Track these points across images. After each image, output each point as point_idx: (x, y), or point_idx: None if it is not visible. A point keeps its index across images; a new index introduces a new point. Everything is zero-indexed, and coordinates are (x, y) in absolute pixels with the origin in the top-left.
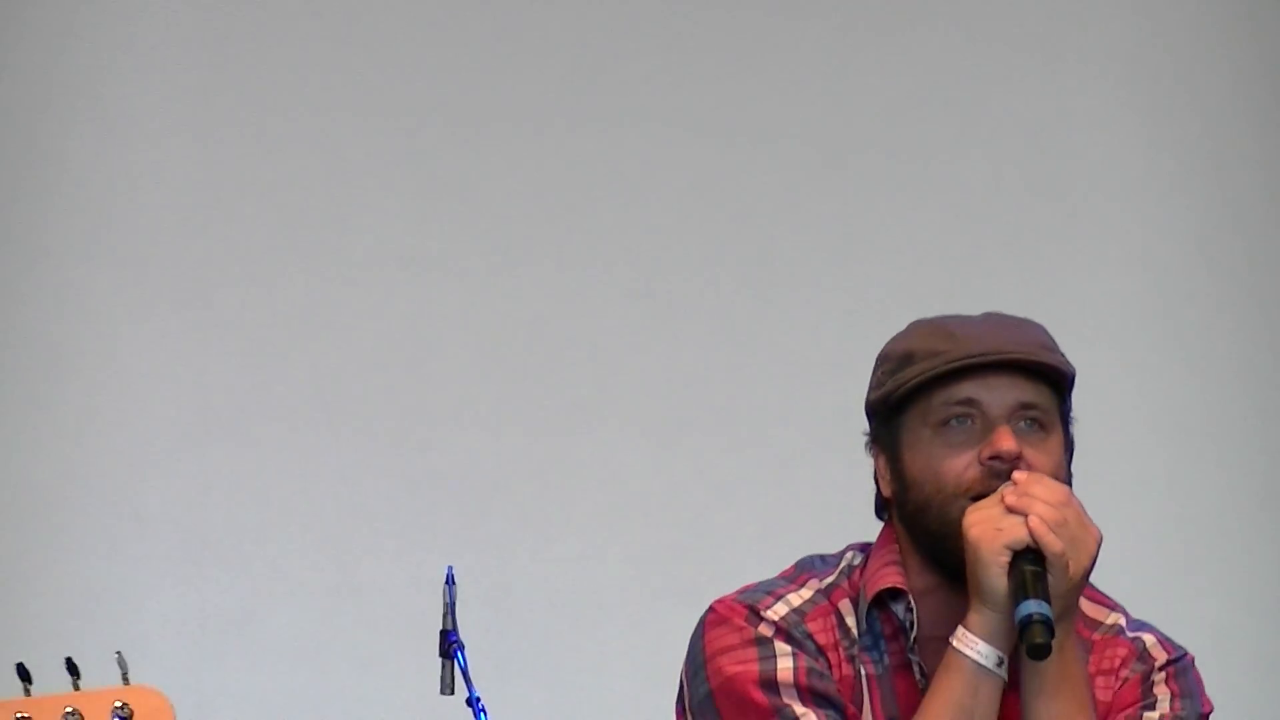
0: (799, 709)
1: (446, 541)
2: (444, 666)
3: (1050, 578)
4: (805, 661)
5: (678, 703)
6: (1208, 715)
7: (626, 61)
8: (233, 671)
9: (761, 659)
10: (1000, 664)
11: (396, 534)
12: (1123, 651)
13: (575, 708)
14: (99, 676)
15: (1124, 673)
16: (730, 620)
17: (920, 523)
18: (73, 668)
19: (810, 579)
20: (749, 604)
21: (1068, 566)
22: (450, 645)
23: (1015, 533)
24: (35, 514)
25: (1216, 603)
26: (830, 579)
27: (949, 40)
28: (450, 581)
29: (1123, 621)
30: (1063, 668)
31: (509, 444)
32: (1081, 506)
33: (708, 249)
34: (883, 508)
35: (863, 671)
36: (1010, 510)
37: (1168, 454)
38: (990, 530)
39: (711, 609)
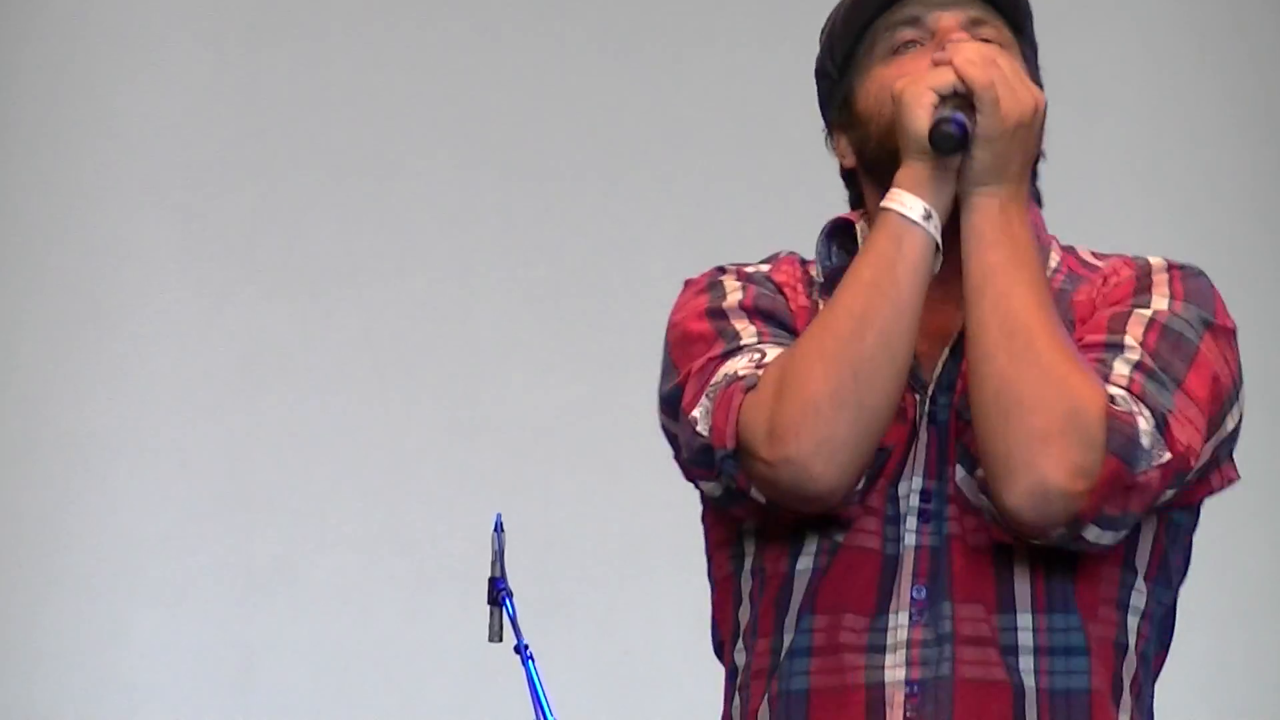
0: (740, 324)
1: (494, 489)
2: (492, 614)
3: (980, 117)
4: (754, 290)
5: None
6: (1227, 331)
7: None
8: (280, 620)
9: (711, 297)
10: (928, 217)
11: (444, 482)
12: (1116, 264)
13: (623, 654)
14: (145, 629)
15: (1115, 279)
16: (693, 281)
17: (879, 153)
18: None
19: (785, 253)
20: (720, 266)
21: (998, 103)
22: (498, 593)
23: (942, 76)
24: (82, 463)
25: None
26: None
27: None
28: (499, 529)
29: (1129, 256)
30: (1002, 221)
31: (557, 392)
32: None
33: (756, 195)
34: (856, 199)
35: (821, 304)
36: (937, 64)
37: None
38: (916, 80)
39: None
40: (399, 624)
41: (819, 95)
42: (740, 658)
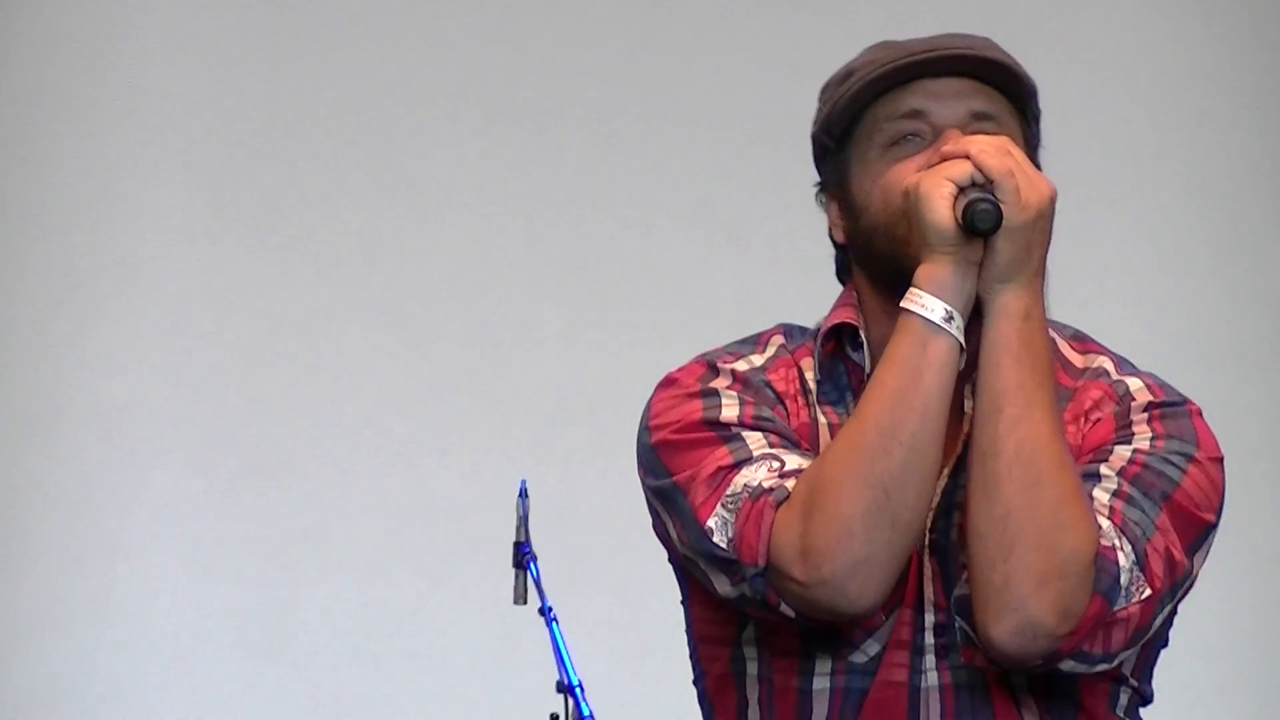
0: (747, 434)
1: (518, 456)
2: (517, 577)
3: (1003, 206)
4: (755, 409)
5: (647, 499)
6: (1214, 460)
7: None
8: (307, 586)
9: (706, 407)
10: (950, 319)
11: (470, 449)
12: (1098, 393)
13: (644, 616)
14: (176, 595)
15: (1096, 414)
16: (681, 380)
17: (871, 248)
18: None
19: (776, 336)
20: (708, 361)
21: (1019, 191)
22: (523, 556)
23: (959, 168)
24: (113, 433)
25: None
26: (798, 340)
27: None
28: (523, 494)
29: (1110, 366)
30: (1024, 334)
31: (579, 361)
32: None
33: (776, 168)
34: (843, 267)
35: (824, 419)
36: (947, 157)
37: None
38: (930, 174)
39: (666, 375)
40: (426, 588)
41: (814, 153)
42: None
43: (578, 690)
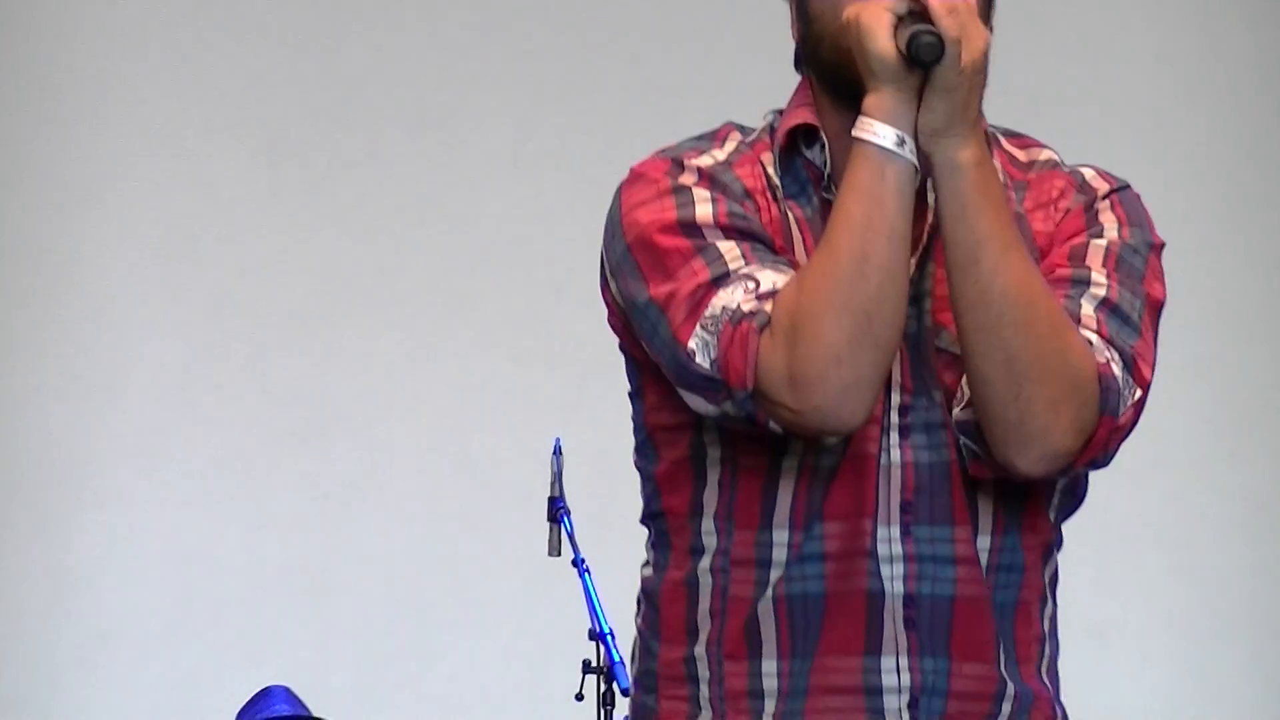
0: (721, 243)
1: (553, 415)
2: (551, 531)
3: (944, 37)
4: (726, 205)
5: (600, 281)
6: (1160, 247)
7: None
8: (354, 536)
9: (679, 205)
10: (902, 144)
11: (507, 408)
12: (1060, 183)
13: None
14: (231, 544)
15: (1064, 204)
16: (647, 175)
17: (820, 54)
18: None
19: (732, 133)
20: (672, 157)
21: (959, 40)
22: (557, 511)
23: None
24: (175, 392)
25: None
26: (753, 135)
27: None
28: (557, 452)
29: (1056, 156)
30: (981, 184)
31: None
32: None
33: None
34: (798, 59)
35: (790, 215)
36: None
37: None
38: (870, 5)
39: (630, 169)
40: (465, 539)
41: None
42: (710, 540)
43: (609, 638)
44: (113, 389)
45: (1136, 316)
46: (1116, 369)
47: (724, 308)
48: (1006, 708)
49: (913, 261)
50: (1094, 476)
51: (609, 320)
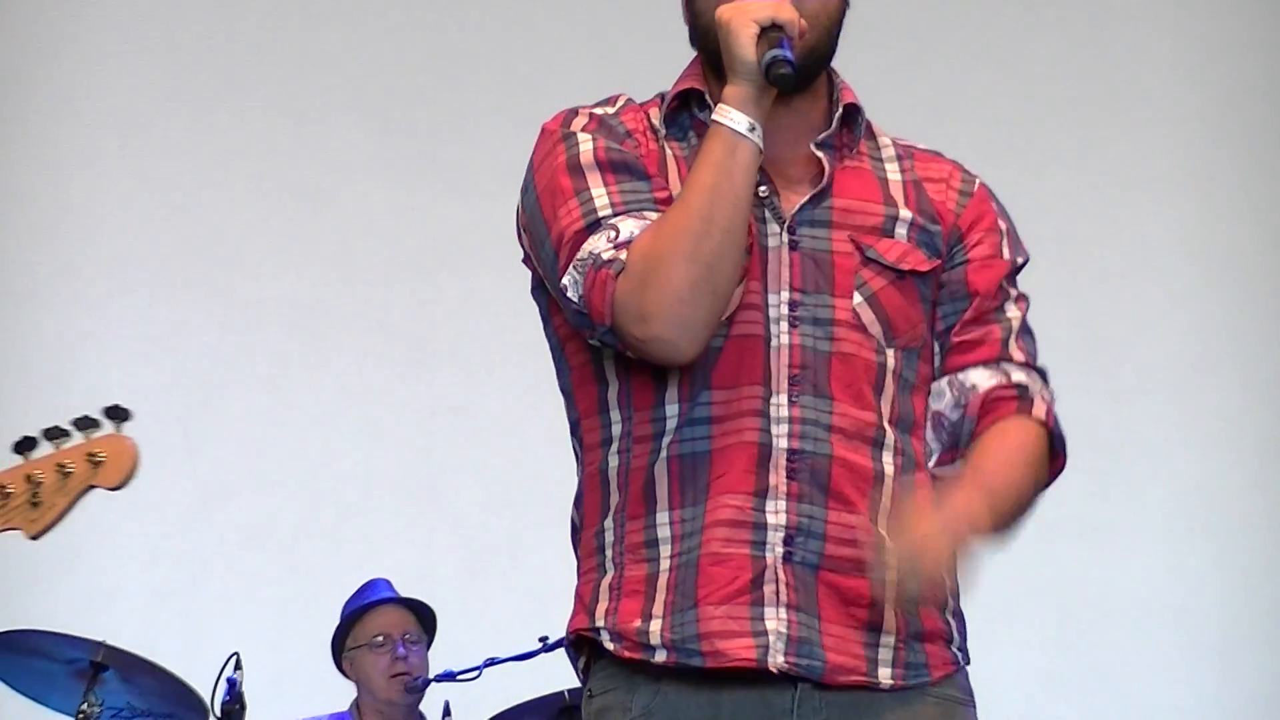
0: (596, 187)
1: None
2: None
3: (797, 46)
4: (604, 140)
5: (516, 229)
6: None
7: None
8: (455, 451)
9: (568, 149)
10: (752, 129)
11: None
12: (947, 166)
13: None
14: (353, 459)
15: (958, 184)
16: (547, 128)
17: (705, 41)
18: (28, 443)
19: (622, 97)
20: (570, 109)
21: (805, 36)
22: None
23: (761, 11)
24: (300, 326)
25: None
26: (644, 101)
27: None
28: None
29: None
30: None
31: None
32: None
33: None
34: (693, 41)
35: (669, 150)
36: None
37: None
38: (739, 12)
39: (542, 125)
40: (548, 452)
41: None
42: (615, 427)
43: None
44: (250, 328)
45: (1028, 322)
46: (1045, 396)
47: (590, 253)
48: (891, 566)
49: (806, 198)
50: None
51: (523, 260)
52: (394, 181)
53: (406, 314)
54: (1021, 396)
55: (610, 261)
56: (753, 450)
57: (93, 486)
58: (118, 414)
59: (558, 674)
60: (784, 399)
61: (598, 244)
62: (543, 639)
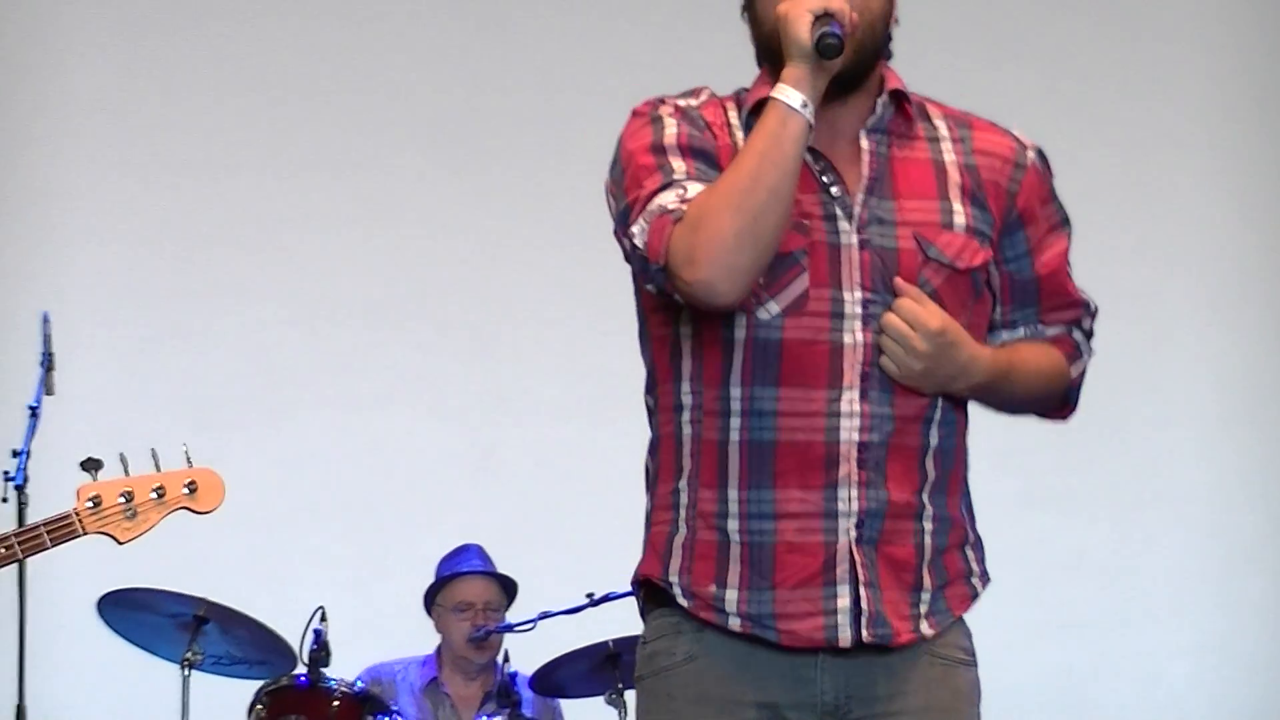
0: (676, 162)
1: None
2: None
3: (845, 38)
4: (687, 128)
5: (606, 198)
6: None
7: None
8: (507, 429)
9: (654, 131)
10: (805, 106)
11: (630, 326)
12: (1002, 138)
13: None
14: (415, 436)
15: (1013, 157)
16: (639, 110)
17: (769, 50)
18: (93, 463)
19: (705, 91)
20: (658, 98)
21: (858, 27)
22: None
23: (814, 1)
24: (358, 318)
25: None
26: (724, 96)
27: None
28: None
29: (1023, 138)
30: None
31: None
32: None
33: None
34: (758, 58)
35: (741, 142)
36: None
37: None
38: (796, 4)
39: (633, 109)
40: (599, 433)
41: None
42: (688, 398)
43: None
44: (331, 318)
45: (1083, 296)
46: (1083, 365)
47: (659, 205)
48: (928, 525)
49: (861, 188)
50: None
51: (613, 233)
52: (443, 197)
53: (466, 307)
54: (1071, 352)
55: (673, 210)
56: (820, 445)
57: (185, 508)
58: (91, 465)
59: (603, 626)
60: (856, 394)
61: (667, 198)
62: (589, 595)
